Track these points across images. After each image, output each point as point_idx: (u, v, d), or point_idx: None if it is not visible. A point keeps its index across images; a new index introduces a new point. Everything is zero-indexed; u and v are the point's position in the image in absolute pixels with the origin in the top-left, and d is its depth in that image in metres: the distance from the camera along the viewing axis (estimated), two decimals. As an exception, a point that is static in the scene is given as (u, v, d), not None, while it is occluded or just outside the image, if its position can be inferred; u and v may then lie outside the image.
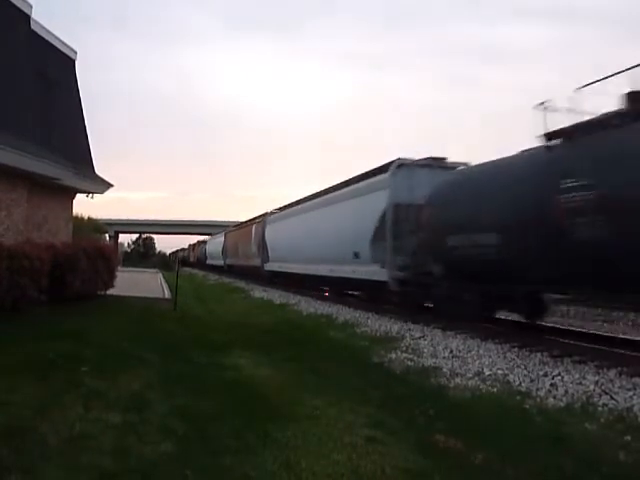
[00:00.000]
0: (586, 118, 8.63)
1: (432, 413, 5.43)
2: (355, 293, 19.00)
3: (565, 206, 8.15)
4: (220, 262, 44.20)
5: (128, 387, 5.81)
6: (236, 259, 36.87)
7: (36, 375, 5.87)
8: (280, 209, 28.34)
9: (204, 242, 62.82)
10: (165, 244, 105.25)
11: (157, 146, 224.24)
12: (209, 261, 53.89)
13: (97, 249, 14.15)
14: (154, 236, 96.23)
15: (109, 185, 16.50)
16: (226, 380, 6.51)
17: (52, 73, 14.66)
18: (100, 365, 6.56)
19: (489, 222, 9.98)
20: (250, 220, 35.39)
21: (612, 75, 8.04)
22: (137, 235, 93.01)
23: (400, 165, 14.42)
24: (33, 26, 13.51)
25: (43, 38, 14.20)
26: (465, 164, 14.07)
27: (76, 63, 16.39)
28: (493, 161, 11.20)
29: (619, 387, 6.68)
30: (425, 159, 14.60)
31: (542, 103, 9.19)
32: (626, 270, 7.61)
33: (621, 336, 10.01)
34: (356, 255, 15.78)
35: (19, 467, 3.56)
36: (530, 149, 9.92)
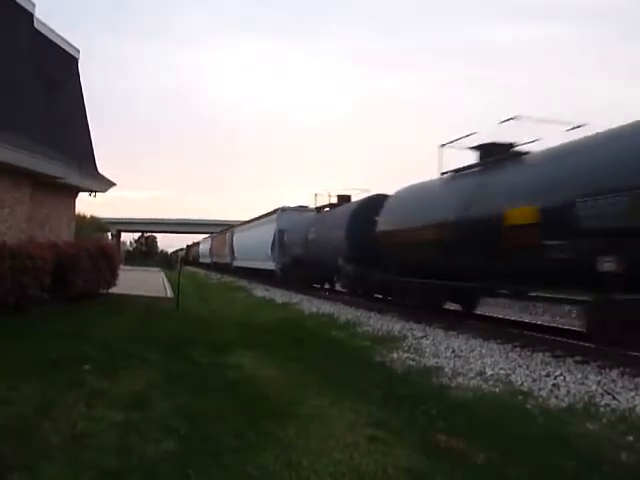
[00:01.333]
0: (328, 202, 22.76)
1: (434, 413, 5.42)
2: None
3: (310, 238, 21.21)
4: (208, 260, 56.87)
5: (130, 386, 5.82)
6: (218, 258, 49.34)
7: (38, 374, 5.88)
8: (242, 223, 40.60)
9: (198, 244, 74.24)
10: (167, 243, 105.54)
11: (159, 145, 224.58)
12: (201, 259, 64.69)
13: (99, 248, 14.15)
14: (156, 235, 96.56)
15: (112, 184, 16.48)
16: (228, 379, 6.52)
17: (55, 72, 14.65)
18: (102, 364, 6.58)
19: (299, 243, 22.84)
20: (226, 229, 48.17)
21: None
22: (139, 234, 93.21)
23: (283, 209, 28.15)
24: (36, 25, 13.52)
25: (46, 37, 14.18)
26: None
27: (79, 62, 16.41)
28: (317, 214, 24.30)
29: (621, 387, 6.67)
30: (296, 206, 28.31)
31: (315, 195, 23.55)
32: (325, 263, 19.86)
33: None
34: (266, 255, 28.23)
35: (21, 465, 3.56)
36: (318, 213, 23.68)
